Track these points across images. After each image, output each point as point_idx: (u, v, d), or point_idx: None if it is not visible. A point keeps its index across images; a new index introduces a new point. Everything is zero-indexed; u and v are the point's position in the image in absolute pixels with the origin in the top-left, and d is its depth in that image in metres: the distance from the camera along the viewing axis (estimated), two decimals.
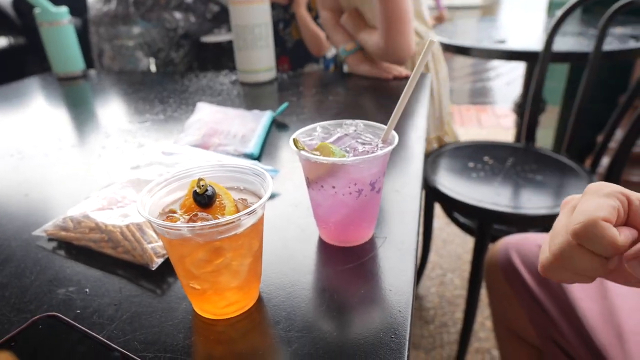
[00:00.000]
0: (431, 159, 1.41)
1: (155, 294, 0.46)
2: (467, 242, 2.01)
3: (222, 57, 1.68)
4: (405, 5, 1.09)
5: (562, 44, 1.59)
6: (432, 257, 1.92)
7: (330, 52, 1.70)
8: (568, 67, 2.20)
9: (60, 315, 0.40)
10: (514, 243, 0.85)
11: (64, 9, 1.31)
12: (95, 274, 0.50)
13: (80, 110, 1.13)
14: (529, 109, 1.50)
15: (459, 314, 1.62)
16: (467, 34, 2.04)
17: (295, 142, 0.48)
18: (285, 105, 0.96)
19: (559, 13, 1.33)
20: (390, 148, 0.47)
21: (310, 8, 1.62)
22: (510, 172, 1.31)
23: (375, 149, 0.49)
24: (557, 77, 2.24)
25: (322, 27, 1.43)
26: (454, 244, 2.01)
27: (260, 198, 0.44)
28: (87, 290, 0.47)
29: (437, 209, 1.81)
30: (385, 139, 0.50)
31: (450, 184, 1.26)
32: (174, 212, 0.41)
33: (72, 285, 0.48)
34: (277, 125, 0.93)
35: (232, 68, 1.63)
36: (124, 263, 0.51)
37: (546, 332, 0.76)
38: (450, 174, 1.32)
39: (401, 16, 1.09)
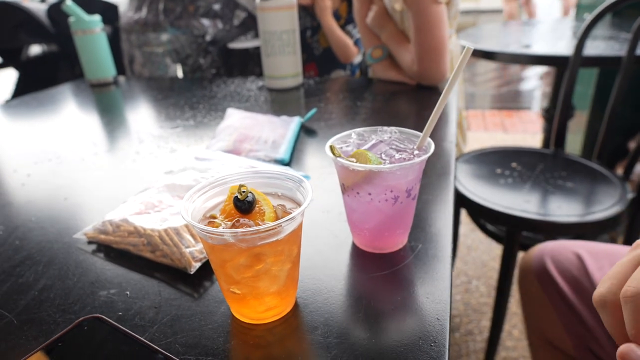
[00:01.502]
0: (457, 164, 1.39)
1: (193, 298, 0.47)
2: (492, 249, 1.98)
3: (248, 63, 1.70)
4: (442, 36, 1.08)
5: (593, 48, 1.55)
6: (457, 263, 1.90)
7: (357, 59, 1.70)
8: (597, 72, 2.15)
9: (105, 317, 0.41)
10: (549, 250, 0.84)
11: (97, 18, 1.35)
12: (135, 277, 0.51)
13: (112, 116, 1.16)
14: (558, 114, 1.47)
15: (485, 322, 1.59)
16: (492, 38, 2.02)
17: (332, 149, 0.48)
18: (313, 111, 0.97)
19: (588, 17, 1.30)
20: (426, 155, 0.47)
21: (338, 17, 1.63)
22: (539, 179, 1.29)
23: (412, 156, 0.49)
24: (585, 82, 2.19)
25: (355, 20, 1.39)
26: (479, 251, 1.98)
27: (297, 203, 0.44)
28: (128, 292, 0.48)
29: (462, 215, 1.79)
30: (420, 146, 0.50)
31: (477, 190, 1.24)
32: (215, 217, 0.42)
33: (113, 288, 0.49)
34: (306, 131, 0.93)
35: (259, 74, 1.65)
36: (162, 266, 0.52)
37: (583, 342, 0.74)
38: (477, 180, 1.31)
39: (437, 47, 1.09)
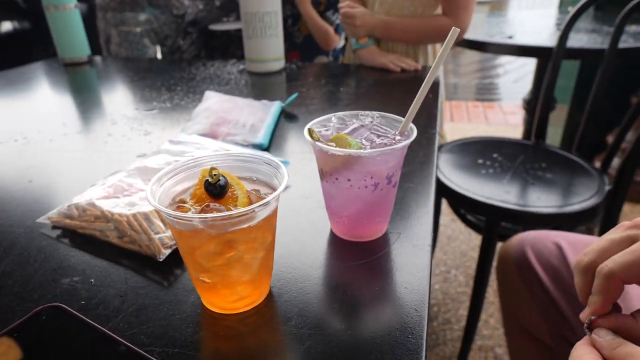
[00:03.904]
0: (438, 154, 1.38)
1: (162, 286, 0.45)
2: (472, 239, 1.99)
3: (230, 46, 1.66)
4: None
5: (576, 40, 1.56)
6: (437, 253, 1.91)
7: (340, 44, 1.67)
8: (578, 65, 2.17)
9: (65, 306, 0.38)
10: (530, 239, 0.83)
11: None
12: (101, 263, 0.48)
13: (85, 96, 1.11)
14: (540, 106, 1.47)
15: (463, 311, 1.61)
16: (476, 28, 2.01)
17: (310, 132, 0.46)
18: (294, 95, 0.94)
19: (572, 9, 1.30)
20: (408, 141, 0.46)
21: (318, 3, 1.60)
22: (519, 170, 1.29)
23: (393, 141, 0.47)
24: (567, 75, 2.21)
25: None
26: (458, 241, 2.00)
27: (273, 189, 0.42)
28: (92, 280, 0.46)
29: (443, 205, 1.79)
30: (402, 131, 0.49)
31: (458, 180, 1.24)
32: (184, 202, 0.40)
33: (76, 275, 0.47)
34: (286, 116, 0.91)
35: (240, 57, 1.61)
36: (130, 253, 0.50)
37: (558, 330, 0.75)
38: (459, 169, 1.30)
39: None
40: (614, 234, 0.40)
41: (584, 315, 0.39)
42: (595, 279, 0.38)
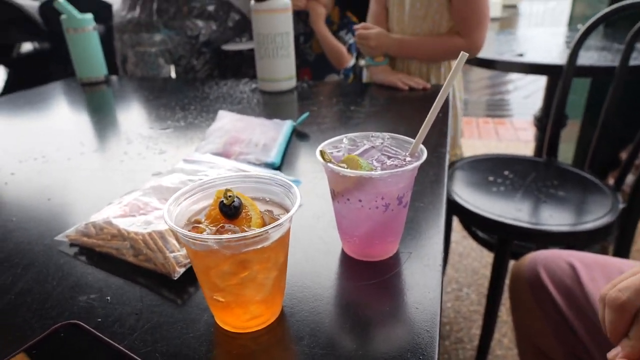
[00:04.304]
0: (450, 171, 1.39)
1: (176, 305, 0.46)
2: (484, 257, 1.97)
3: (242, 65, 1.69)
4: (487, 6, 1.25)
5: (586, 58, 1.56)
6: (449, 271, 1.89)
7: (350, 63, 1.70)
8: (590, 82, 2.17)
9: (82, 324, 0.39)
10: (542, 259, 0.83)
11: (89, 16, 1.33)
12: (117, 281, 0.50)
13: (102, 115, 1.14)
14: (551, 123, 1.47)
15: (475, 330, 1.58)
16: (486, 46, 2.02)
17: (322, 154, 0.47)
18: (306, 114, 0.96)
19: (581, 27, 1.31)
20: (419, 162, 0.46)
21: (331, 22, 1.63)
22: (531, 187, 1.29)
23: (404, 162, 0.48)
24: (578, 91, 2.20)
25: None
26: (470, 258, 1.98)
27: (285, 209, 0.43)
28: (109, 298, 0.47)
29: (454, 222, 1.78)
30: (413, 152, 0.49)
31: (469, 197, 1.24)
32: (200, 222, 0.41)
33: (93, 293, 0.48)
34: (298, 135, 0.92)
35: (252, 76, 1.64)
36: (145, 271, 0.51)
37: (571, 350, 0.74)
38: (470, 187, 1.30)
39: (483, 15, 1.24)
40: None
41: (613, 355, 0.38)
42: (636, 324, 0.37)
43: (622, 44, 1.27)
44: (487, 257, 1.96)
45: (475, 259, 1.97)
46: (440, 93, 0.47)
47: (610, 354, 0.38)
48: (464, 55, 0.45)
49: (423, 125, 0.48)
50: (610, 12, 1.26)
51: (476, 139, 3.34)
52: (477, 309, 1.69)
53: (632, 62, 1.34)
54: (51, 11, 1.79)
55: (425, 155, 0.48)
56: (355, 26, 1.35)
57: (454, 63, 0.46)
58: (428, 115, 0.48)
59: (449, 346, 1.53)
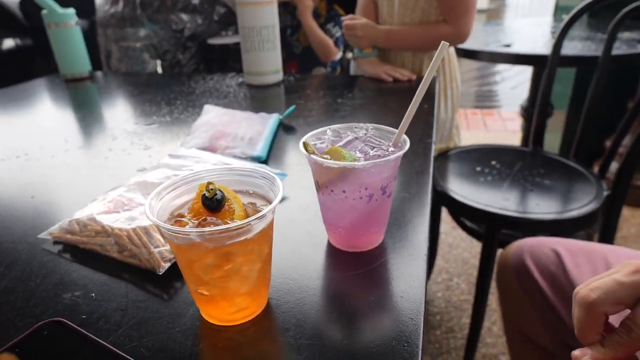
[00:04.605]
0: (438, 162, 1.39)
1: (162, 300, 0.46)
2: (473, 247, 1.99)
3: (228, 59, 1.67)
4: None
5: (570, 48, 1.57)
6: (439, 261, 1.91)
7: (337, 56, 1.69)
8: (575, 72, 2.19)
9: (66, 321, 0.39)
10: (528, 246, 0.84)
11: (71, 11, 1.31)
12: (102, 278, 0.49)
13: (86, 111, 1.13)
14: (536, 113, 1.48)
15: (466, 319, 1.60)
16: (473, 38, 2.03)
17: (305, 145, 0.47)
18: (292, 108, 0.96)
19: (566, 17, 1.32)
20: (401, 152, 0.46)
21: (318, 15, 1.62)
22: (518, 177, 1.30)
23: (387, 153, 0.48)
24: (563, 81, 2.23)
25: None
26: (460, 249, 2.00)
27: (269, 202, 0.43)
28: (93, 295, 0.47)
29: (444, 213, 1.80)
30: (396, 142, 0.50)
31: (457, 188, 1.25)
32: (182, 216, 0.41)
33: (78, 290, 0.47)
34: (284, 128, 0.92)
35: (239, 70, 1.62)
36: (130, 267, 0.50)
37: (559, 336, 0.75)
38: (458, 177, 1.31)
39: (469, 3, 1.24)
40: (622, 275, 0.39)
41: (578, 354, 0.38)
42: (616, 335, 0.37)
43: (605, 34, 1.28)
44: (476, 247, 1.98)
45: (465, 249, 1.99)
46: (421, 83, 0.47)
47: (575, 353, 0.38)
48: (444, 45, 0.45)
49: (405, 115, 0.49)
50: (594, 1, 1.27)
51: (465, 130, 3.36)
52: (467, 298, 1.70)
53: (615, 52, 1.35)
54: (32, 6, 1.76)
55: (407, 145, 0.48)
56: (343, 17, 1.34)
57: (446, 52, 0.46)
58: (410, 105, 0.48)
59: (440, 335, 1.55)
